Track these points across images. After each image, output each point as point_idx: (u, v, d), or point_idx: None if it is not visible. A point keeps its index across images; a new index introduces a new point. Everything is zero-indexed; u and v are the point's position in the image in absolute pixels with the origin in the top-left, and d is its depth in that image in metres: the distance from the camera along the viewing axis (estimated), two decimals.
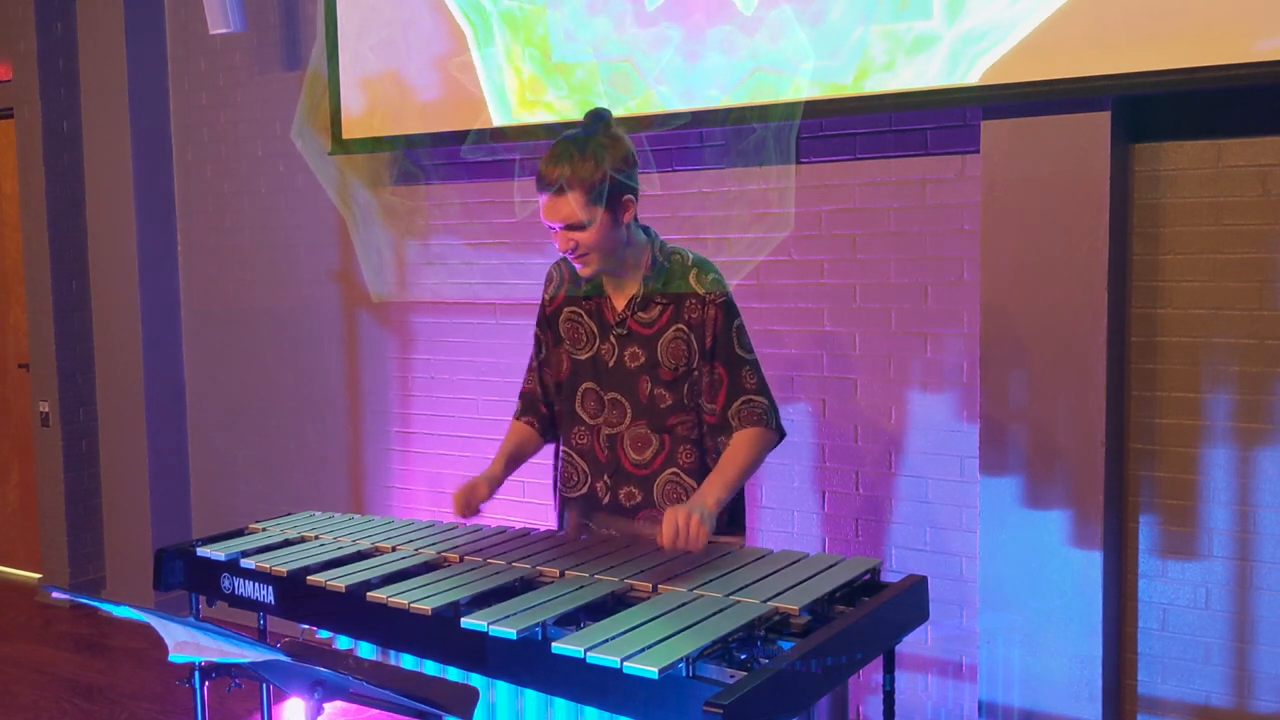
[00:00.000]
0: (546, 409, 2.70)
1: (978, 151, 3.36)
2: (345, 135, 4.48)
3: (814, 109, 3.45)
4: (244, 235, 5.17)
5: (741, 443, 2.45)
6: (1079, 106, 3.12)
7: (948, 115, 3.43)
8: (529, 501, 4.21)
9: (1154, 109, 3.19)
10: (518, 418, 2.73)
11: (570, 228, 2.38)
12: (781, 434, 2.52)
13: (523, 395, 2.73)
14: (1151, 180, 3.21)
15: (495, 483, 2.59)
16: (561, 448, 2.67)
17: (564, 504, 2.69)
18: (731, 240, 3.82)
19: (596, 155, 2.36)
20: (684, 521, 2.25)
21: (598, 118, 2.42)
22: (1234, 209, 3.12)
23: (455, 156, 4.43)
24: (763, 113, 3.52)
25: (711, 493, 2.36)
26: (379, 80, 4.36)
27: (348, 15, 4.41)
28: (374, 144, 4.43)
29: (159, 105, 5.30)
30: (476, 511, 2.57)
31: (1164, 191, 3.19)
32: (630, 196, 2.42)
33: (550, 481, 2.76)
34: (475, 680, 2.08)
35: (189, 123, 5.29)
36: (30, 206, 5.45)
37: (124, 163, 5.23)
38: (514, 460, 2.67)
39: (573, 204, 2.35)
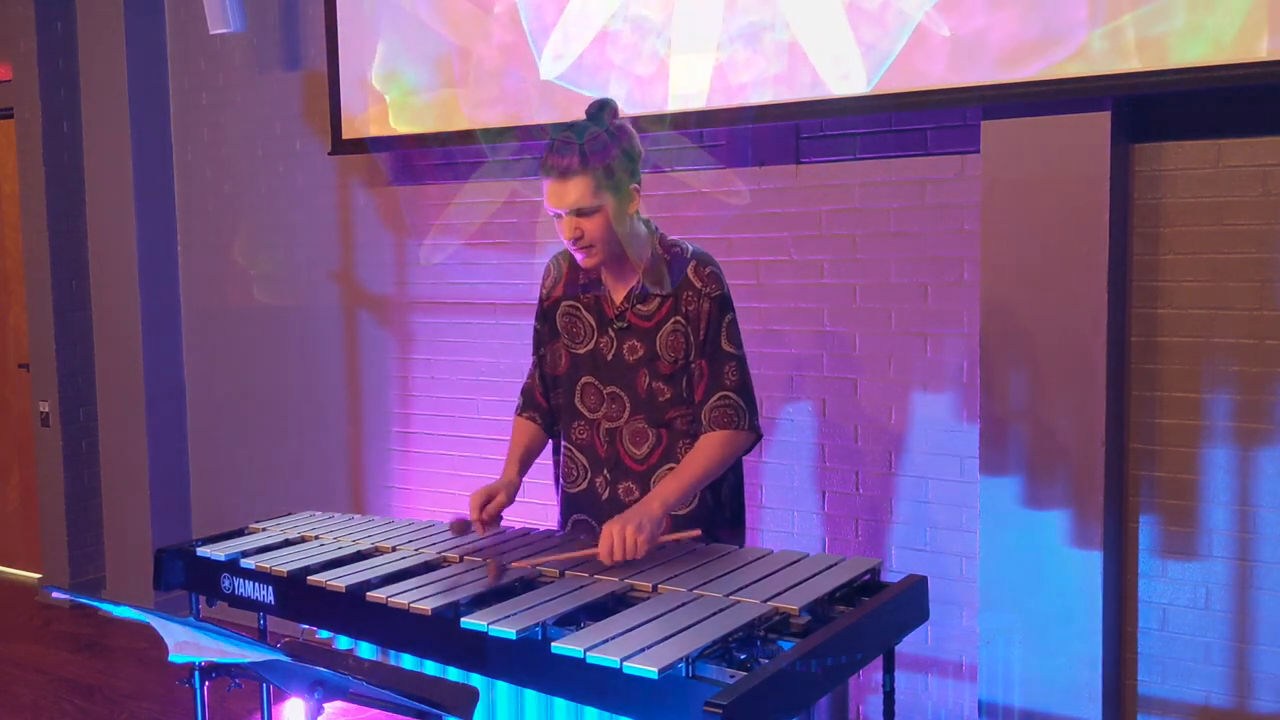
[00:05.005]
0: (546, 402, 2.69)
1: (978, 151, 3.36)
2: (345, 135, 4.48)
3: (814, 109, 3.45)
4: (244, 235, 5.17)
5: (706, 445, 2.44)
6: (1079, 106, 3.12)
7: (948, 115, 3.43)
8: (529, 501, 4.20)
9: (1154, 109, 3.18)
10: (519, 414, 2.72)
11: (576, 213, 2.38)
12: (757, 435, 2.50)
13: (524, 391, 2.73)
14: (1151, 180, 3.21)
15: (513, 489, 2.55)
16: (563, 443, 2.66)
17: (565, 500, 2.68)
18: (732, 240, 3.83)
19: (605, 141, 2.36)
20: (619, 534, 2.25)
21: (602, 107, 2.42)
22: (1234, 209, 3.11)
23: (455, 156, 4.43)
24: (763, 113, 3.52)
25: (660, 497, 2.35)
26: (379, 80, 4.36)
27: (348, 15, 4.41)
28: (374, 144, 4.43)
29: (159, 105, 5.30)
30: (496, 520, 2.52)
31: (1164, 191, 3.19)
32: (636, 186, 2.43)
33: (551, 480, 2.76)
34: (475, 680, 2.08)
35: (189, 122, 5.29)
36: (30, 206, 5.45)
37: (124, 163, 5.23)
38: (526, 461, 2.65)
39: (581, 188, 2.35)
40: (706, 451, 2.43)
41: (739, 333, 2.51)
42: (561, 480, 2.68)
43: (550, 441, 2.73)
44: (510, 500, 2.53)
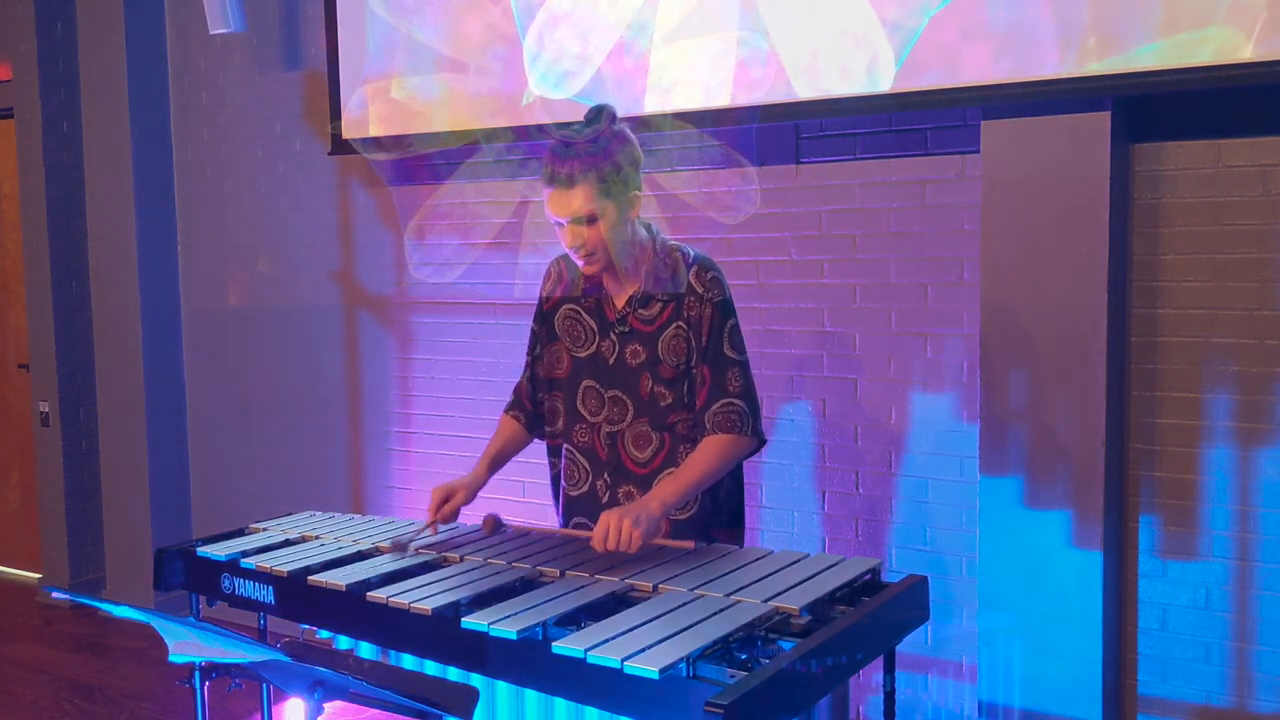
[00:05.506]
0: (532, 405, 2.71)
1: (978, 151, 3.36)
2: (345, 135, 4.48)
3: (814, 109, 3.45)
4: (244, 235, 5.17)
5: (708, 448, 2.44)
6: (1079, 106, 3.12)
7: (948, 115, 3.43)
8: (529, 501, 4.20)
9: (1154, 109, 3.19)
10: (506, 411, 2.75)
11: (578, 222, 2.38)
12: (761, 440, 2.50)
13: (515, 389, 2.75)
14: (1151, 180, 3.21)
15: (475, 488, 2.62)
16: (564, 446, 2.67)
17: (566, 502, 2.69)
18: (732, 240, 3.83)
19: (605, 148, 2.36)
20: (616, 524, 2.26)
21: (600, 111, 2.42)
22: (1234, 209, 3.11)
23: (455, 156, 4.43)
24: (763, 113, 3.52)
25: (659, 496, 2.35)
26: (379, 80, 4.36)
27: (347, 15, 4.41)
28: (374, 144, 4.43)
29: (159, 105, 5.30)
30: (452, 517, 2.59)
31: (1164, 191, 3.19)
32: (637, 192, 2.42)
33: (548, 481, 2.76)
34: (475, 680, 2.08)
35: (189, 123, 5.29)
36: (30, 206, 5.45)
37: (124, 163, 5.22)
38: (498, 462, 2.69)
39: (582, 197, 2.35)
40: (708, 454, 2.43)
41: (741, 338, 2.51)
42: (563, 483, 2.69)
43: (547, 444, 2.73)
44: (469, 499, 2.61)
